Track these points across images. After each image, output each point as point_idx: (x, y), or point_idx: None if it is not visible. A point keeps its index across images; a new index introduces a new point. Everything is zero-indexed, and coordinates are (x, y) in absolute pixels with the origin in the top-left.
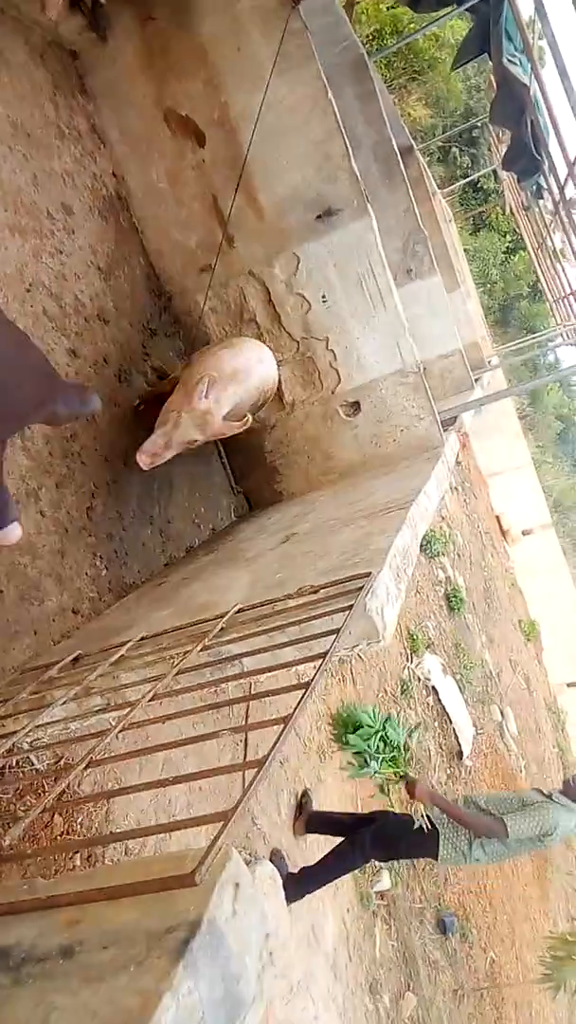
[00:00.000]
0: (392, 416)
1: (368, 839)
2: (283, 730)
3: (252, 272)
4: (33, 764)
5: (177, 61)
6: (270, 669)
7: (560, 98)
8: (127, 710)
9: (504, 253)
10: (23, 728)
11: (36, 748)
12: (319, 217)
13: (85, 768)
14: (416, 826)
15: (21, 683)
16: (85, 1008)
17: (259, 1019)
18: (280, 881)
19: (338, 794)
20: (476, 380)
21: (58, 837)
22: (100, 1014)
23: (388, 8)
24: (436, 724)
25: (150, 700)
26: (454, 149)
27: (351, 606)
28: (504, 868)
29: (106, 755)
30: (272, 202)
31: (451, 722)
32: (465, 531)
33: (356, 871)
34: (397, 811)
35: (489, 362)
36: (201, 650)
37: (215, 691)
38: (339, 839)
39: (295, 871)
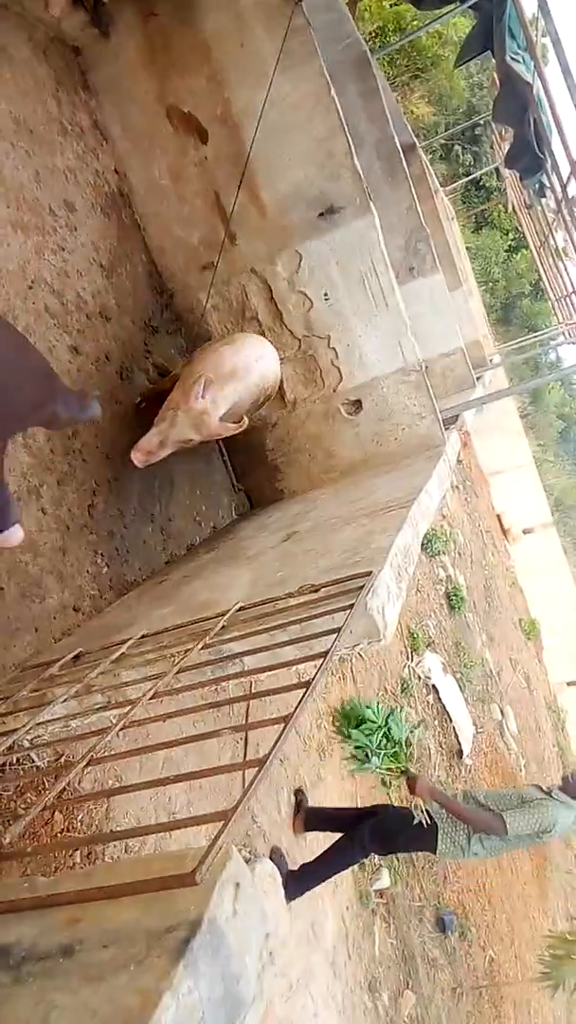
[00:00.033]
0: (394, 414)
1: (367, 833)
2: (284, 729)
3: (254, 270)
4: (34, 761)
5: (180, 57)
6: (271, 668)
7: (563, 96)
8: (128, 708)
9: (506, 251)
10: (24, 725)
11: (37, 745)
12: (321, 215)
13: (86, 766)
14: (416, 821)
15: (22, 680)
16: (85, 1007)
17: (259, 1018)
18: (280, 879)
19: (338, 792)
20: (478, 378)
21: (58, 834)
22: (100, 1013)
23: (391, 5)
24: (436, 723)
25: (151, 698)
26: (456, 147)
27: (352, 605)
28: (503, 867)
29: (107, 753)
30: (274, 199)
31: (451, 721)
32: (466, 530)
33: (356, 867)
34: (396, 805)
35: (491, 360)
36: (202, 648)
37: (216, 689)
38: (338, 835)
39: (295, 868)
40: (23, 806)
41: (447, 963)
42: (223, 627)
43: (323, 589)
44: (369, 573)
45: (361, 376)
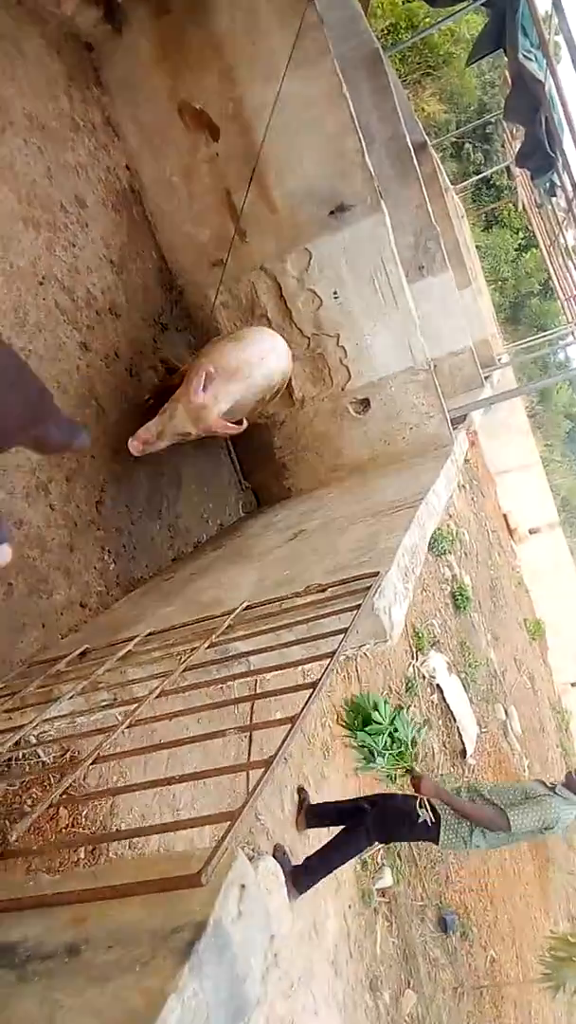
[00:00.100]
0: (402, 414)
1: (371, 822)
2: (290, 730)
3: (264, 267)
4: (40, 758)
5: (192, 54)
6: (277, 667)
7: (575, 94)
8: (134, 706)
9: (516, 250)
10: (30, 722)
11: (43, 742)
12: (332, 213)
13: (92, 763)
14: (420, 820)
15: (29, 676)
16: (90, 1007)
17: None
18: (282, 877)
19: (341, 791)
20: (486, 378)
21: (63, 830)
22: (105, 1014)
23: (403, 2)
24: (440, 722)
25: (157, 696)
26: (468, 145)
27: (359, 605)
28: (505, 868)
29: (112, 750)
30: (285, 197)
31: (455, 720)
32: (472, 529)
33: (358, 865)
34: (401, 794)
35: (499, 360)
36: (208, 647)
37: (221, 688)
38: (341, 827)
39: (299, 864)
40: (29, 802)
41: (448, 963)
42: (229, 626)
43: (330, 589)
44: (376, 573)
45: (370, 375)
